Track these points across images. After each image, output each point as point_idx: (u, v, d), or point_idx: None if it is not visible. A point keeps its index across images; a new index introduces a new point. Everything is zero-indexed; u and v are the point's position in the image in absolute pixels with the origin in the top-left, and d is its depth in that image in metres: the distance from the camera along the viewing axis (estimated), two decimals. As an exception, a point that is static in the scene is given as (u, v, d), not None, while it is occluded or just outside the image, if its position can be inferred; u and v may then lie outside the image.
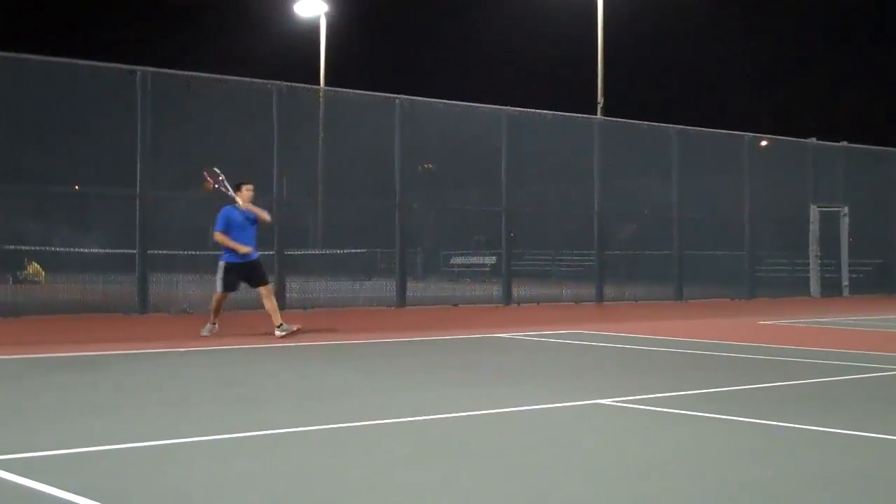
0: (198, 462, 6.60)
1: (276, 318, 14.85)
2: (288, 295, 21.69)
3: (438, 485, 6.03)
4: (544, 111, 26.49)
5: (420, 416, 8.40)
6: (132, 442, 7.09)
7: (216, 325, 14.92)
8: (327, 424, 7.91)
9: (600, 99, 37.76)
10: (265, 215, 15.13)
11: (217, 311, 14.97)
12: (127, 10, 65.97)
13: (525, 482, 6.10)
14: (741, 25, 58.70)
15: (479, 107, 25.57)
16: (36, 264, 24.29)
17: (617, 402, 9.11)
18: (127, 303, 19.50)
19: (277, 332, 14.74)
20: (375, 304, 23.18)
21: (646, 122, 28.49)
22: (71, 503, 5.42)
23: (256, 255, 15.05)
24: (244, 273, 14.91)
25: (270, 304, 14.95)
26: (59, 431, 7.55)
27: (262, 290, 15.04)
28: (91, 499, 5.45)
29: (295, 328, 15.01)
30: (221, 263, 14.83)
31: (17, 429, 7.62)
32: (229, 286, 14.89)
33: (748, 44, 60.22)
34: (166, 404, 9.02)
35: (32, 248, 22.89)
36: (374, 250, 25.84)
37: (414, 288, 24.16)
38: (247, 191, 15.11)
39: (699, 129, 29.49)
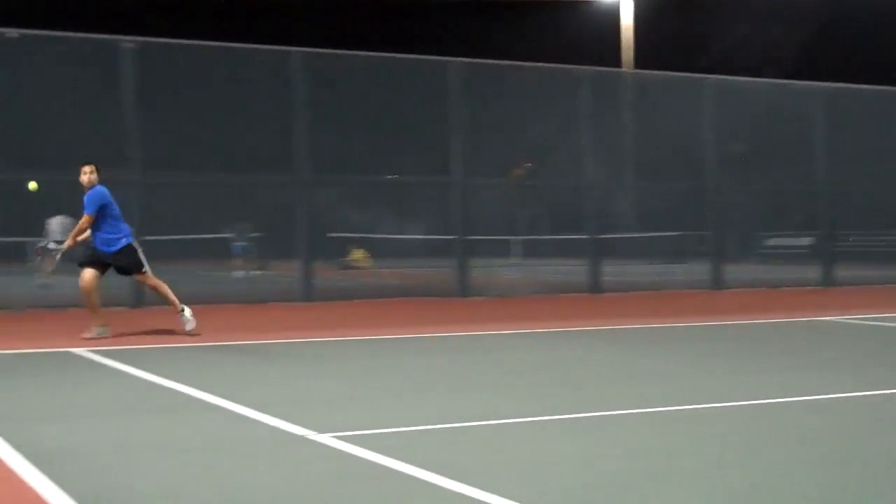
0: (532, 440, 6.75)
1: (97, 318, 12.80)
2: (604, 278, 21.78)
3: (773, 470, 5.92)
4: (864, 86, 25.38)
5: (748, 400, 8.25)
6: (468, 421, 7.33)
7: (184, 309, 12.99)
8: (650, 408, 7.92)
9: (923, 70, 35.83)
10: (71, 239, 13.04)
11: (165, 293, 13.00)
12: (436, 4, 67.67)
13: (864, 471, 5.91)
14: None
15: (793, 84, 24.82)
16: (360, 251, 25.40)
17: (961, 388, 8.68)
18: (448, 287, 20.10)
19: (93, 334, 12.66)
20: (690, 287, 22.92)
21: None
22: (418, 478, 5.68)
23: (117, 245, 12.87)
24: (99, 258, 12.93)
25: (95, 298, 12.79)
26: (400, 409, 7.90)
27: (92, 274, 12.85)
28: (436, 473, 5.69)
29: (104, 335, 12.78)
30: (132, 244, 12.93)
31: (362, 406, 8.02)
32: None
33: None
34: (494, 384, 9.26)
35: (357, 235, 23.95)
36: (687, 233, 25.51)
37: (729, 270, 23.71)
38: (83, 174, 12.79)
39: None
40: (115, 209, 12.80)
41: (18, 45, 17.33)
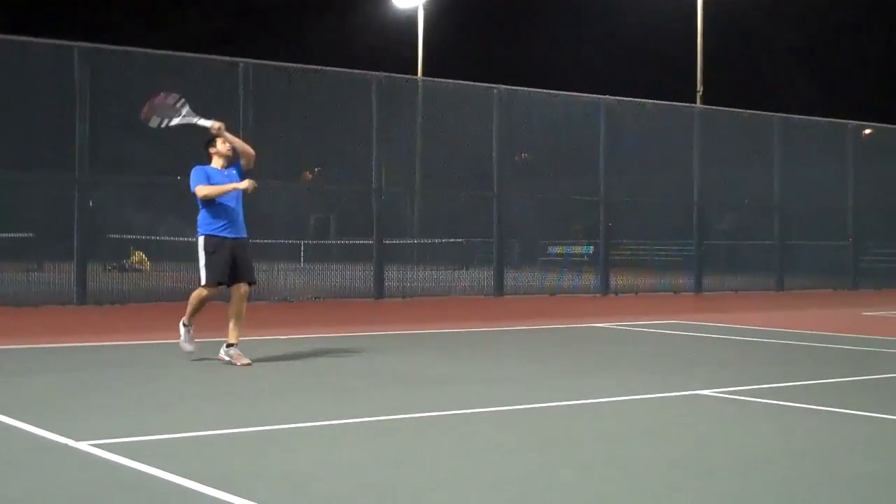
0: (300, 448, 6.71)
1: (236, 334, 10.58)
2: (386, 283, 21.91)
3: (536, 474, 6.05)
4: (643, 100, 26.30)
5: (518, 405, 8.42)
6: (237, 427, 7.23)
7: (192, 327, 10.90)
8: (427, 412, 7.98)
9: (700, 87, 37.39)
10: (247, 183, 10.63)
11: (197, 309, 10.76)
12: (226, 2, 66.87)
13: (625, 472, 6.09)
14: (848, 11, 57.50)
15: (577, 96, 25.47)
16: (140, 253, 24.75)
17: (718, 392, 9.04)
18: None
19: (228, 354, 10.56)
20: (473, 294, 23.26)
21: (747, 111, 28.14)
22: (177, 485, 5.55)
23: (245, 232, 10.85)
24: (231, 256, 10.57)
25: (241, 309, 10.64)
26: (166, 416, 7.71)
27: (243, 287, 10.66)
28: (196, 481, 5.58)
29: (243, 362, 10.47)
30: (200, 239, 10.52)
31: (127, 414, 7.81)
32: (219, 275, 10.50)
33: (855, 29, 59.02)
34: (269, 391, 9.16)
35: (138, 237, 23.33)
36: (472, 240, 25.89)
37: (511, 277, 24.19)
38: (222, 143, 10.78)
39: (801, 117, 29.04)
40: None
41: None
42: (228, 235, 10.54)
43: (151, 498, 5.42)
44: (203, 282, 10.55)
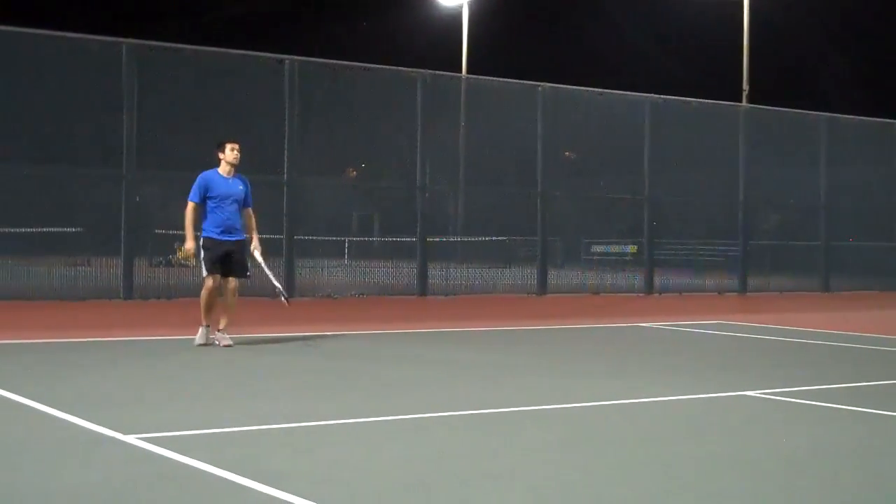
0: (345, 444, 6.73)
1: (225, 322, 11.71)
2: (430, 281, 21.93)
3: (581, 472, 6.05)
4: (688, 98, 26.16)
5: (562, 404, 8.42)
6: (282, 423, 7.27)
7: (210, 328, 11.71)
8: (470, 410, 7.99)
9: (745, 86, 37.14)
10: (254, 244, 12.04)
11: (210, 307, 11.66)
12: (274, 1, 67.16)
13: (668, 473, 6.08)
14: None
15: (622, 94, 25.39)
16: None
17: (764, 394, 8.99)
18: (272, 288, 19.84)
19: (222, 338, 11.60)
20: (516, 292, 23.24)
21: (793, 110, 27.93)
22: (224, 479, 5.60)
23: (242, 235, 11.91)
24: (225, 254, 11.67)
25: (232, 301, 11.76)
26: (212, 411, 7.79)
27: (232, 282, 11.72)
28: (242, 475, 5.62)
29: (225, 343, 11.55)
30: (201, 240, 11.68)
31: (174, 408, 7.88)
32: (212, 267, 11.55)
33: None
34: (313, 387, 9.22)
35: (184, 232, 23.47)
36: (515, 238, 25.87)
37: (554, 276, 24.15)
38: (231, 150, 11.71)
39: (848, 116, 28.77)
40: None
41: None
42: (225, 238, 11.68)
43: (198, 492, 5.47)
44: (203, 273, 11.67)
